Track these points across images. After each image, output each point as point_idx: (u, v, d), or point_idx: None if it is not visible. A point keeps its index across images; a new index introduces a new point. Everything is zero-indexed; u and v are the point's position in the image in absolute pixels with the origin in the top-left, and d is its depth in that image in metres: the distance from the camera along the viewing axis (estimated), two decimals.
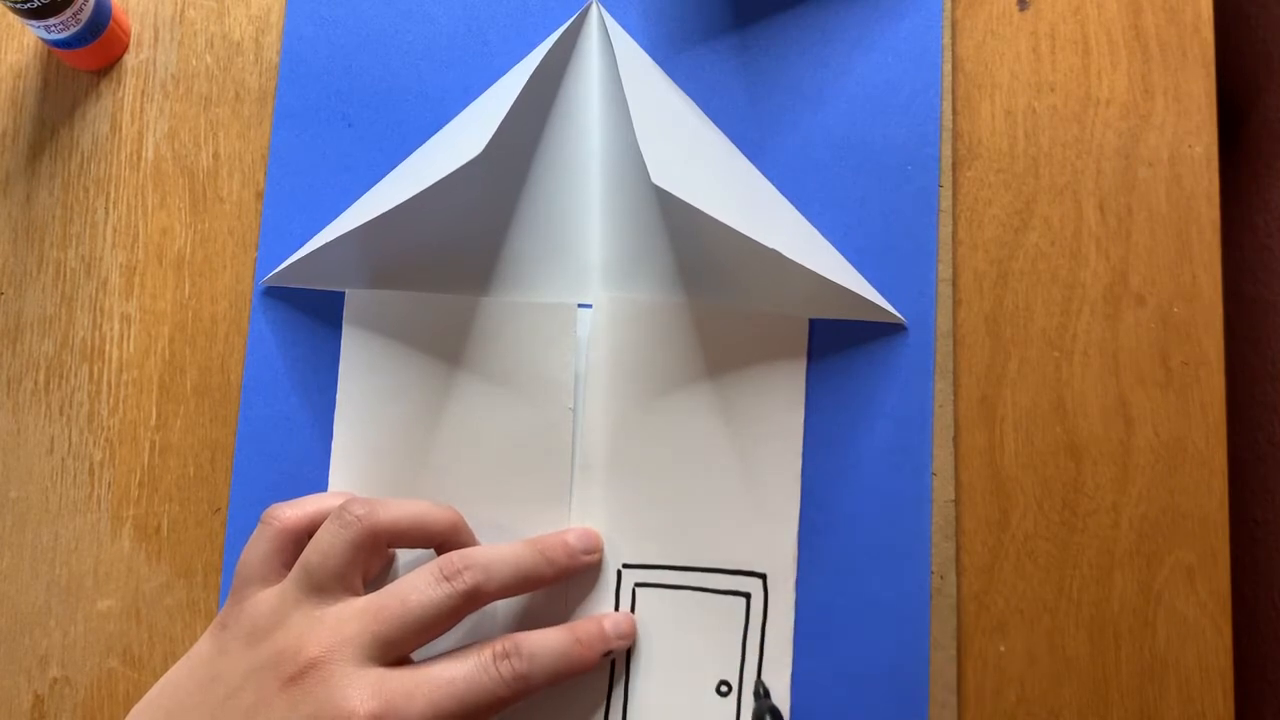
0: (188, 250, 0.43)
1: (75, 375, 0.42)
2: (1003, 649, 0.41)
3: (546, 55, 0.42)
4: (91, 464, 0.42)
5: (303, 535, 0.37)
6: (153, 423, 0.42)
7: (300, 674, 0.34)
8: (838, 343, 0.41)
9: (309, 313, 0.42)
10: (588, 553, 0.40)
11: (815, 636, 0.40)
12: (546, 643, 0.36)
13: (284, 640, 0.35)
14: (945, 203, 0.42)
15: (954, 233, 0.42)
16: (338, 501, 0.38)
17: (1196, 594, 0.41)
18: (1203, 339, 0.42)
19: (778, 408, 0.41)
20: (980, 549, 0.41)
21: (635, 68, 0.42)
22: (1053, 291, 0.42)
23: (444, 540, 0.38)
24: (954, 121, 0.43)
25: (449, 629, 0.36)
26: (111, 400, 0.42)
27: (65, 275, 0.43)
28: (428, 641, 0.35)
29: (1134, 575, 0.41)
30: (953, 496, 0.41)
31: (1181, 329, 0.42)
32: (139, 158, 0.43)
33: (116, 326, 0.42)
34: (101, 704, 0.41)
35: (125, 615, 0.41)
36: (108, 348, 0.42)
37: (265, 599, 0.36)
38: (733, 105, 0.43)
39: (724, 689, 0.40)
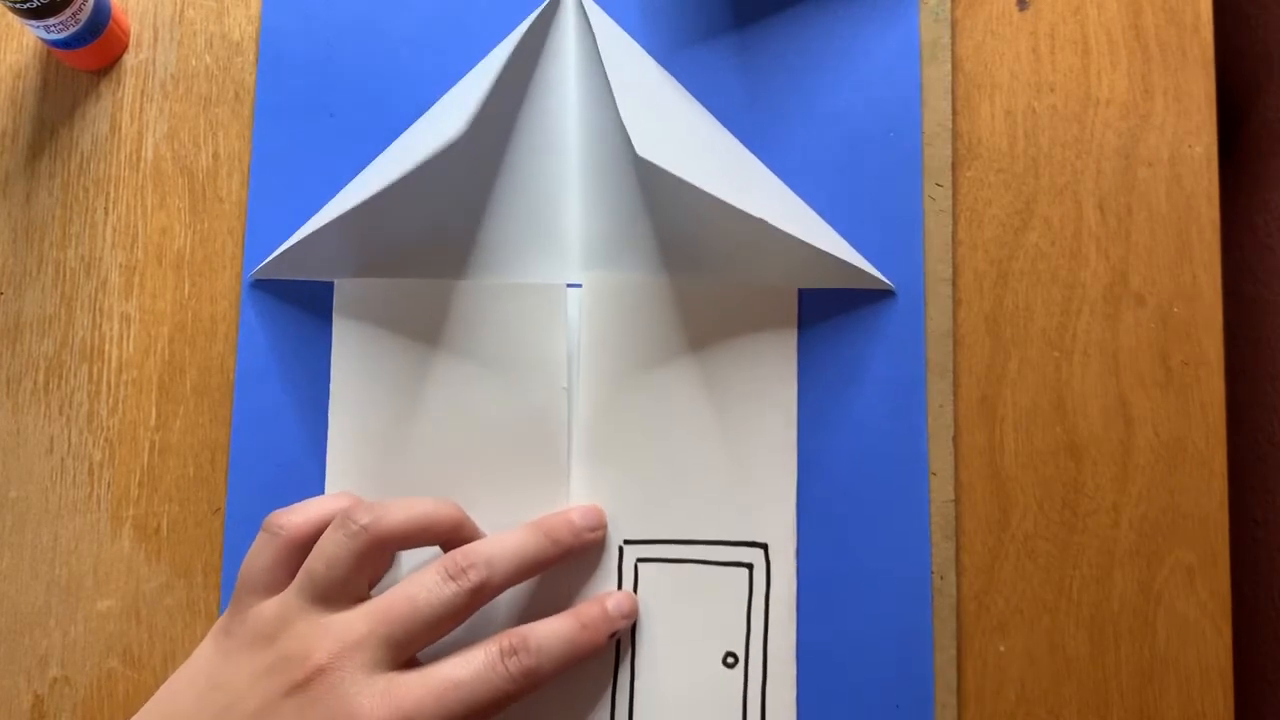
0: (187, 250, 0.43)
1: (75, 375, 0.42)
2: (1003, 649, 0.41)
3: (524, 35, 0.42)
4: (91, 464, 0.42)
5: (307, 543, 0.37)
6: (152, 423, 0.42)
7: (307, 681, 0.33)
8: (827, 312, 0.41)
9: (298, 305, 0.42)
10: (592, 530, 0.39)
11: (818, 604, 0.40)
12: (553, 633, 0.36)
13: (289, 647, 0.34)
14: (945, 203, 0.42)
15: (954, 233, 0.42)
16: (340, 504, 0.38)
17: (1196, 594, 0.41)
18: (1203, 339, 0.42)
19: (771, 379, 0.41)
20: (980, 549, 0.41)
21: (614, 44, 0.42)
22: (1053, 291, 0.42)
23: (449, 538, 0.38)
24: (954, 121, 0.43)
25: (458, 625, 0.36)
26: (111, 400, 0.42)
27: (65, 275, 0.43)
28: (436, 640, 0.35)
29: (1134, 575, 0.41)
30: (953, 496, 0.41)
31: (1181, 329, 0.42)
32: (139, 158, 0.43)
33: (116, 326, 0.42)
34: (101, 704, 0.41)
35: (125, 615, 0.41)
36: (107, 348, 0.42)
37: (269, 606, 0.36)
38: (714, 76, 0.43)
39: (730, 660, 0.40)
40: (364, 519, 0.36)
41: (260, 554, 0.37)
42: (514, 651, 0.35)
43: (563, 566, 0.40)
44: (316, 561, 0.36)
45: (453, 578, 0.35)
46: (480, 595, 0.36)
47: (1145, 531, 0.41)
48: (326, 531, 0.36)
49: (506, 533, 0.38)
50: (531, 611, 0.40)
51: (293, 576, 0.37)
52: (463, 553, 0.36)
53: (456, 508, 0.38)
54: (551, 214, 0.42)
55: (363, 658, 0.34)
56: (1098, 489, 0.41)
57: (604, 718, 0.40)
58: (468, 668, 0.34)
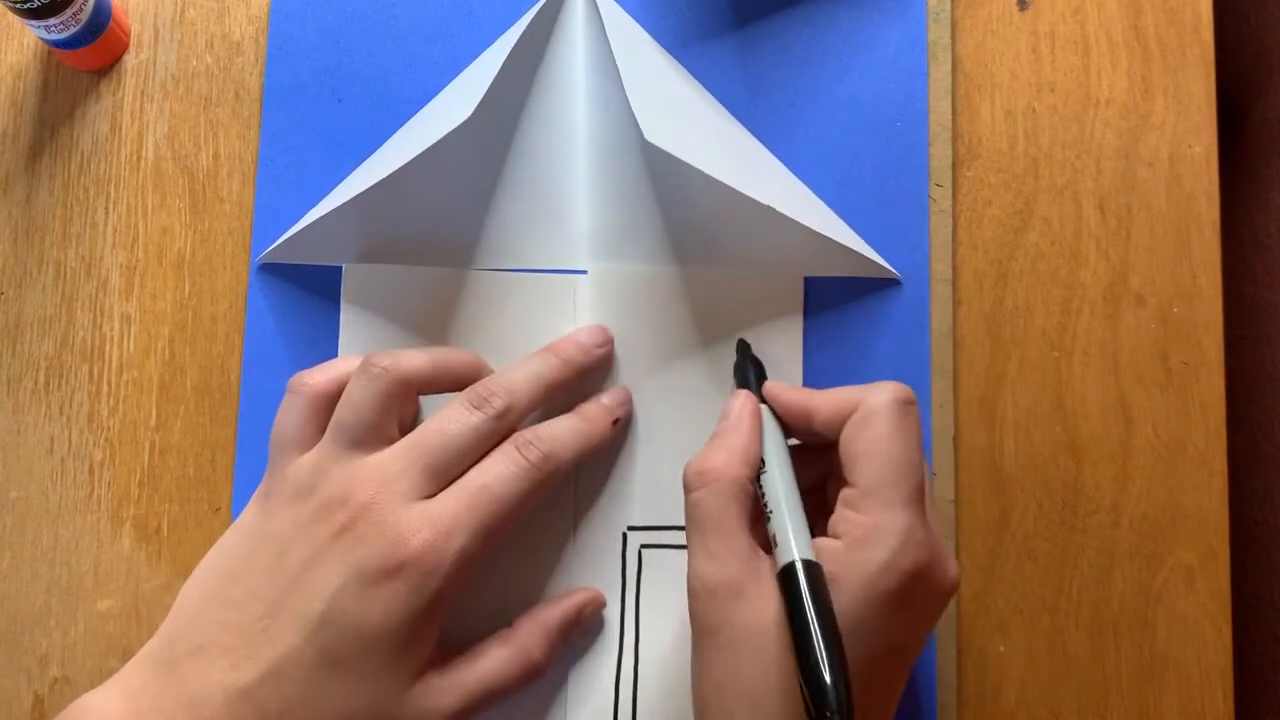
0: (188, 250, 0.43)
1: (75, 375, 0.42)
2: (1003, 649, 0.41)
3: (531, 21, 0.42)
4: (91, 464, 0.42)
5: (333, 398, 0.38)
6: (153, 423, 0.42)
7: (352, 521, 0.35)
8: (833, 299, 0.42)
9: (306, 289, 0.42)
10: (600, 345, 0.41)
11: None
12: (561, 426, 0.38)
13: (328, 492, 0.35)
14: (945, 203, 0.42)
15: (954, 233, 0.42)
16: (360, 360, 0.38)
17: (1196, 594, 0.41)
18: (1203, 339, 0.42)
19: (777, 365, 0.41)
20: (980, 549, 0.41)
21: (622, 30, 0.42)
22: (1053, 291, 0.42)
23: (468, 382, 0.39)
24: (954, 121, 0.43)
25: (488, 452, 0.37)
26: (111, 400, 0.42)
27: (65, 275, 0.43)
28: (468, 469, 0.36)
29: (1134, 575, 0.41)
30: (953, 496, 0.41)
31: (1181, 329, 0.42)
32: (139, 158, 0.43)
33: (116, 326, 0.42)
34: None
35: (125, 615, 0.41)
36: (108, 348, 0.42)
37: (305, 461, 0.37)
38: (719, 67, 0.43)
39: None
40: (385, 362, 0.37)
41: (288, 412, 0.38)
42: (529, 442, 0.37)
43: (566, 554, 0.40)
44: (344, 409, 0.37)
45: (477, 407, 0.37)
46: (505, 420, 0.37)
47: (1145, 531, 0.41)
48: (350, 380, 0.37)
49: (521, 360, 0.39)
50: (536, 597, 0.40)
51: (322, 431, 0.37)
52: (483, 384, 0.38)
53: (475, 354, 0.40)
54: (559, 200, 0.42)
55: (400, 488, 0.35)
56: (1098, 489, 0.41)
57: (608, 705, 0.40)
58: (490, 470, 0.36)
